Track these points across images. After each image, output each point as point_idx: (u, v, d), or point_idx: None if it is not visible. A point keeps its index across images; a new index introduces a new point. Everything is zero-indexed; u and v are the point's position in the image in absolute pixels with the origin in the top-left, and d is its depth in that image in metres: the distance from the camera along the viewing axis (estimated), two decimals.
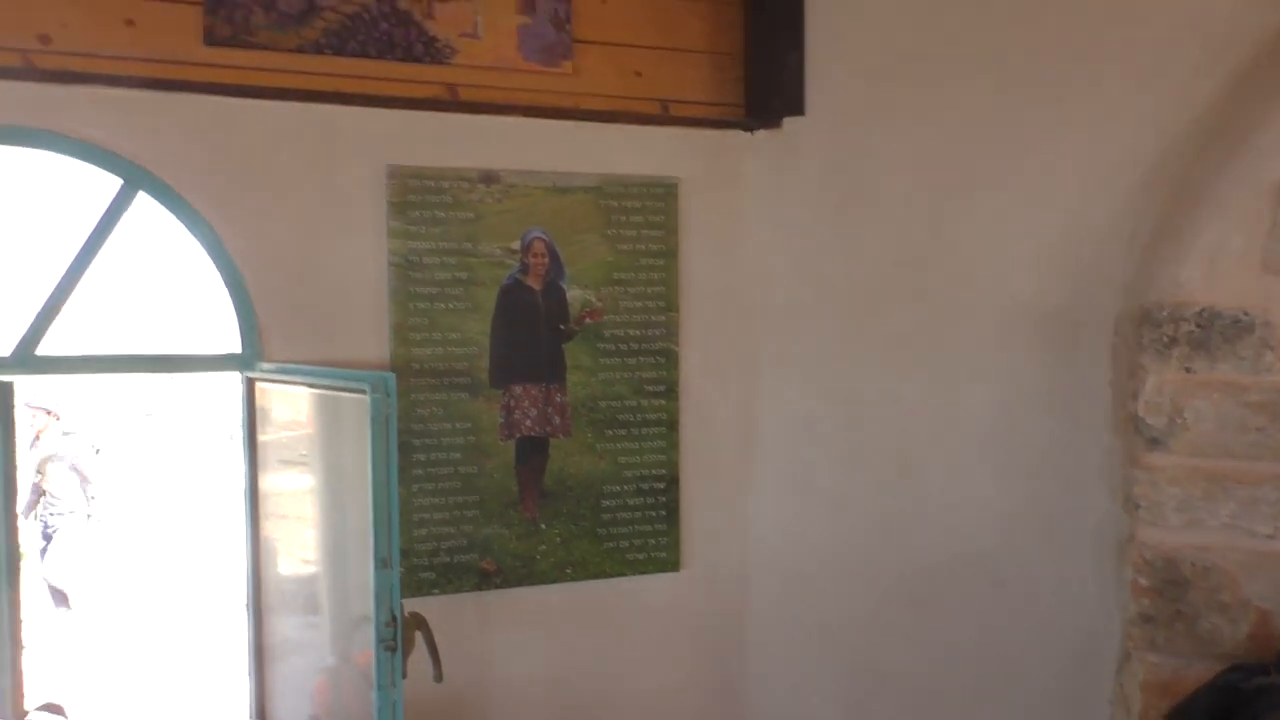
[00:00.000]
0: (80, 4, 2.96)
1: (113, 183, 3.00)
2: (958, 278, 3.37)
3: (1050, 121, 3.23)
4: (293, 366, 2.99)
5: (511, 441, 3.34)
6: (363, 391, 2.68)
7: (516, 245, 3.33)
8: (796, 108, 3.52)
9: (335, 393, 2.79)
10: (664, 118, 3.53)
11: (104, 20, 2.98)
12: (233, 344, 3.13)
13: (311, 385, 2.87)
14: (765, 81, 3.53)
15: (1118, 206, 3.18)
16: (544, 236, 3.35)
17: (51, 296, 2.95)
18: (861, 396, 3.52)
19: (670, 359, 3.53)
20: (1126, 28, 3.14)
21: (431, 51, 3.27)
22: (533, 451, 3.36)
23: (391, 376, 2.67)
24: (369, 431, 2.65)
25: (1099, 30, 3.17)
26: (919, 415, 3.47)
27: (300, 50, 3.14)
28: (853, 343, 3.51)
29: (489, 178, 3.30)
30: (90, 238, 2.98)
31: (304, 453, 3.01)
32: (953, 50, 3.33)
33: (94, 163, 2.96)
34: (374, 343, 3.22)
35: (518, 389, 3.34)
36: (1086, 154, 3.21)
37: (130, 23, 3.00)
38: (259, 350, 3.11)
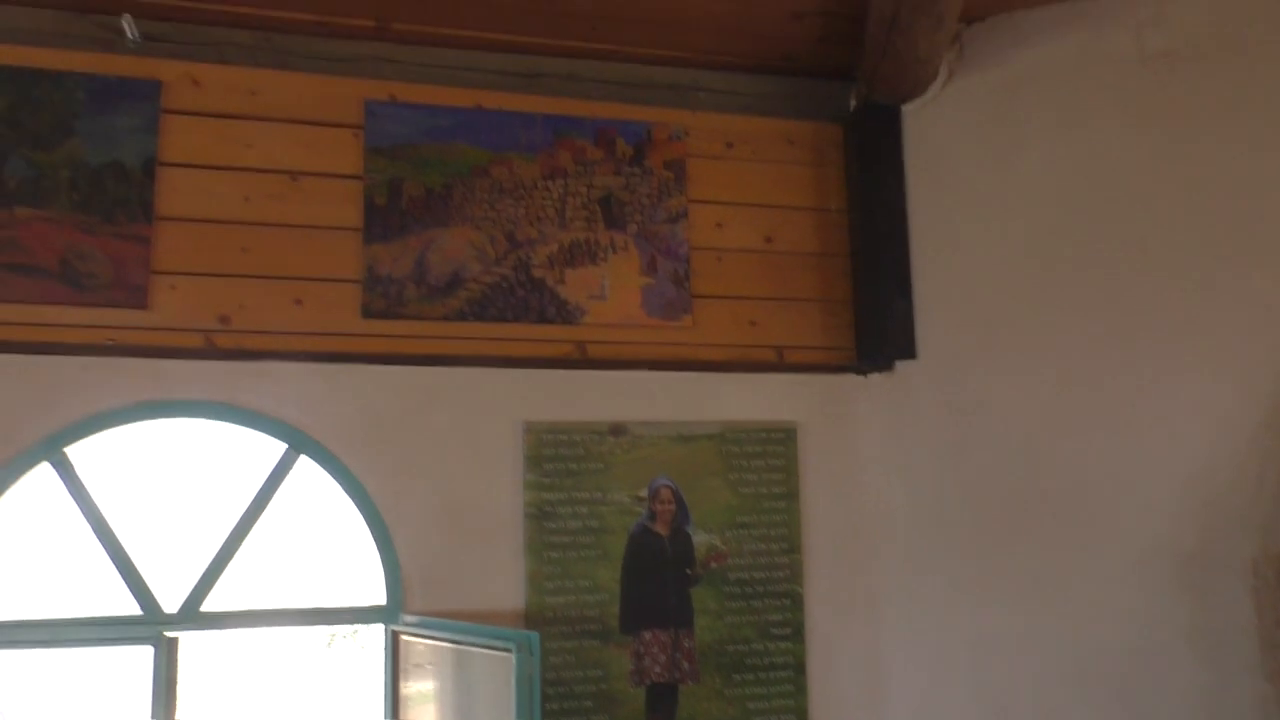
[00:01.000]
0: (257, 287, 3.32)
1: (277, 447, 3.26)
2: (1083, 517, 3.37)
3: (1166, 362, 3.30)
4: (435, 621, 3.10)
5: (642, 689, 3.36)
6: (507, 650, 2.77)
7: (644, 493, 3.46)
8: (908, 351, 3.67)
9: (478, 649, 2.88)
10: (779, 364, 3.71)
11: (277, 300, 3.32)
12: (379, 596, 3.27)
13: (454, 641, 2.96)
14: (875, 327, 3.70)
15: (1242, 447, 3.19)
16: (670, 484, 3.49)
17: (218, 556, 3.16)
18: (990, 637, 3.46)
19: (795, 601, 3.55)
20: (1239, 267, 3.24)
21: (563, 313, 3.54)
22: (662, 699, 3.37)
23: (535, 636, 2.77)
24: (513, 690, 2.73)
25: (1211, 271, 3.27)
26: (1051, 657, 3.39)
27: (446, 318, 3.44)
28: (978, 582, 3.49)
29: (618, 430, 3.49)
30: (255, 500, 3.21)
31: (445, 706, 3.07)
32: (1063, 293, 3.46)
33: (262, 430, 3.23)
34: (510, 592, 3.33)
35: (647, 635, 3.39)
36: (1205, 394, 3.25)
37: (299, 302, 3.34)
38: (402, 602, 3.24)
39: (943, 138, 3.72)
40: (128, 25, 3.28)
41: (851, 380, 3.74)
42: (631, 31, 3.66)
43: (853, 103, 3.89)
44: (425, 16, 3.52)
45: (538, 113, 3.64)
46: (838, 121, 3.93)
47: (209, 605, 3.14)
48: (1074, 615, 3.37)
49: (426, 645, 3.08)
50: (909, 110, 3.79)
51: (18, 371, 3.08)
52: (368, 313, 3.37)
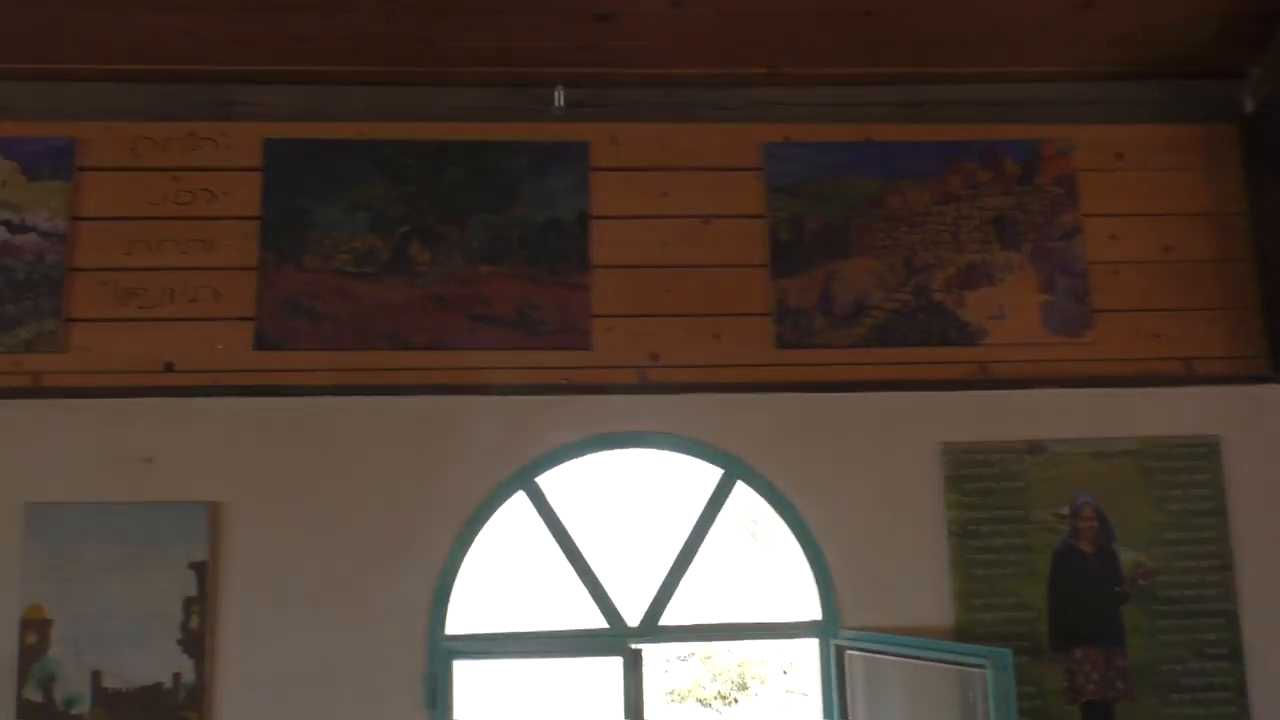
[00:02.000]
0: (680, 325, 3.58)
1: (711, 473, 3.50)
2: None
3: None
4: (886, 636, 3.22)
5: (1077, 707, 3.35)
6: (978, 667, 2.85)
7: (1066, 510, 3.46)
8: None
9: (942, 665, 2.97)
10: (1189, 376, 3.62)
11: (698, 336, 3.58)
12: (810, 611, 3.44)
13: (912, 656, 3.07)
14: None
15: None
16: (1092, 500, 3.47)
17: (670, 573, 3.43)
18: None
19: (1230, 619, 3.43)
20: None
21: (964, 335, 3.61)
22: (1099, 717, 3.35)
23: (1007, 653, 2.83)
24: (991, 708, 2.79)
25: None
26: None
27: (853, 346, 3.59)
28: None
29: (1034, 448, 3.51)
30: (699, 521, 3.46)
31: None
32: None
33: (702, 458, 3.48)
34: (938, 609, 3.41)
35: (1078, 652, 3.38)
36: None
37: (717, 336, 3.58)
38: (837, 617, 3.39)
39: None
40: (558, 95, 3.63)
41: (1273, 390, 3.59)
42: (1011, 52, 3.70)
43: (1249, 102, 3.75)
44: (813, 59, 3.70)
45: (925, 141, 3.74)
46: (1231, 122, 3.80)
47: (666, 619, 3.40)
48: None
49: (875, 660, 3.21)
50: None
51: (493, 411, 3.46)
52: (781, 343, 3.57)
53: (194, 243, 3.56)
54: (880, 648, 3.19)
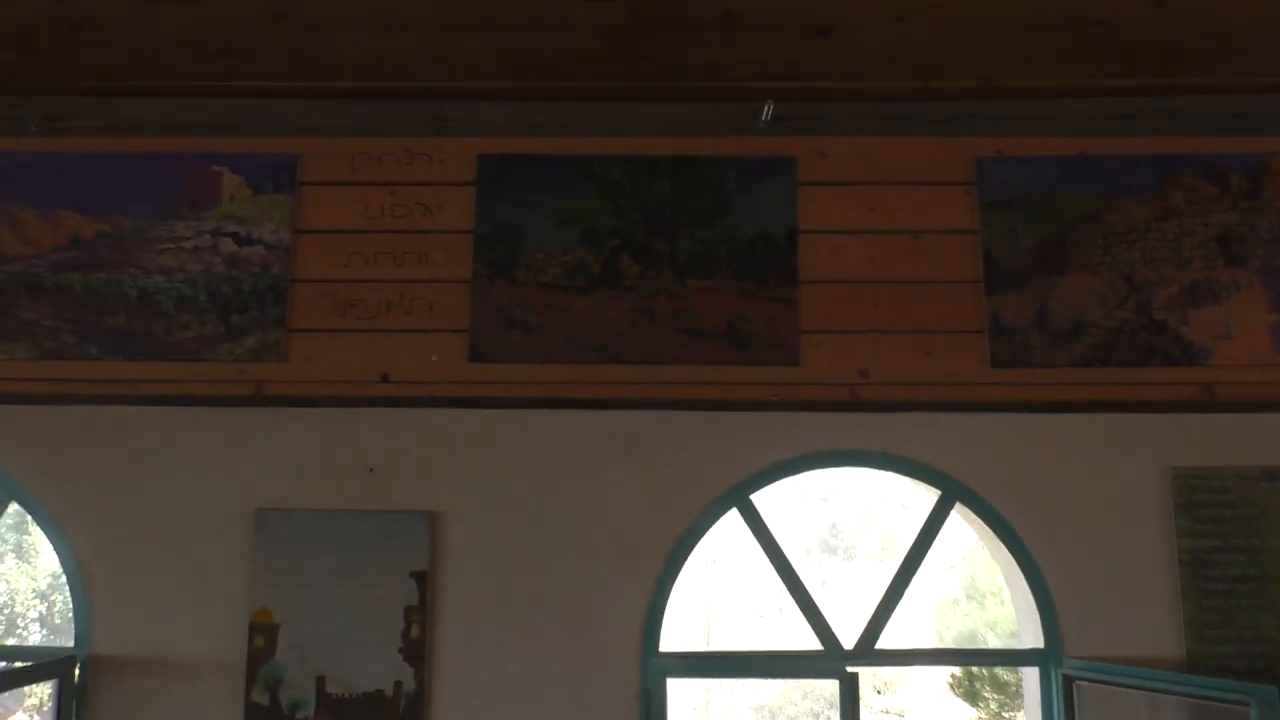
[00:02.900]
0: (890, 341, 3.52)
1: (926, 494, 3.43)
2: None
3: None
4: (1120, 667, 3.11)
5: None
6: (1241, 704, 2.72)
7: None
8: None
9: (1192, 700, 2.85)
10: None
11: (909, 353, 3.51)
12: (1030, 639, 3.34)
13: (1156, 690, 2.95)
14: None
15: None
16: None
17: (886, 596, 3.36)
18: None
19: None
20: None
21: (1188, 355, 3.47)
22: None
23: (1272, 690, 2.70)
24: None
25: None
26: None
27: (1071, 365, 3.48)
28: None
29: (1270, 474, 3.36)
30: (915, 544, 3.39)
31: None
32: None
33: (918, 478, 3.42)
34: (1167, 639, 3.28)
35: None
36: None
37: (928, 354, 3.51)
38: (1059, 645, 3.28)
39: None
40: (767, 109, 3.62)
41: None
42: (1235, 62, 3.57)
43: None
44: (1025, 71, 3.62)
45: (1143, 154, 3.62)
46: None
47: (882, 643, 3.34)
48: None
49: (1109, 691, 3.09)
50: None
51: (705, 426, 3.45)
52: (996, 362, 3.48)
53: (409, 255, 3.63)
54: (1118, 679, 3.08)
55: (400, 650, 3.29)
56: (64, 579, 3.58)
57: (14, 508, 3.54)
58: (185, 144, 3.71)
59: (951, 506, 3.41)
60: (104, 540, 3.42)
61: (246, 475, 3.45)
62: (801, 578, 3.37)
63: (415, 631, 3.30)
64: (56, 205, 3.66)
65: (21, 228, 3.64)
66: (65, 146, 3.72)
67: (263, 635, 3.31)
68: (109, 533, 3.42)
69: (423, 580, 3.33)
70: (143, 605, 3.37)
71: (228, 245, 3.62)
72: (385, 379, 3.53)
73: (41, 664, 3.09)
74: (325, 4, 3.33)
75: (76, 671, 3.27)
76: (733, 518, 3.44)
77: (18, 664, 3.44)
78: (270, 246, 3.62)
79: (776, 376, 3.50)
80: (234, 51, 3.57)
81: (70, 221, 3.65)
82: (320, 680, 3.28)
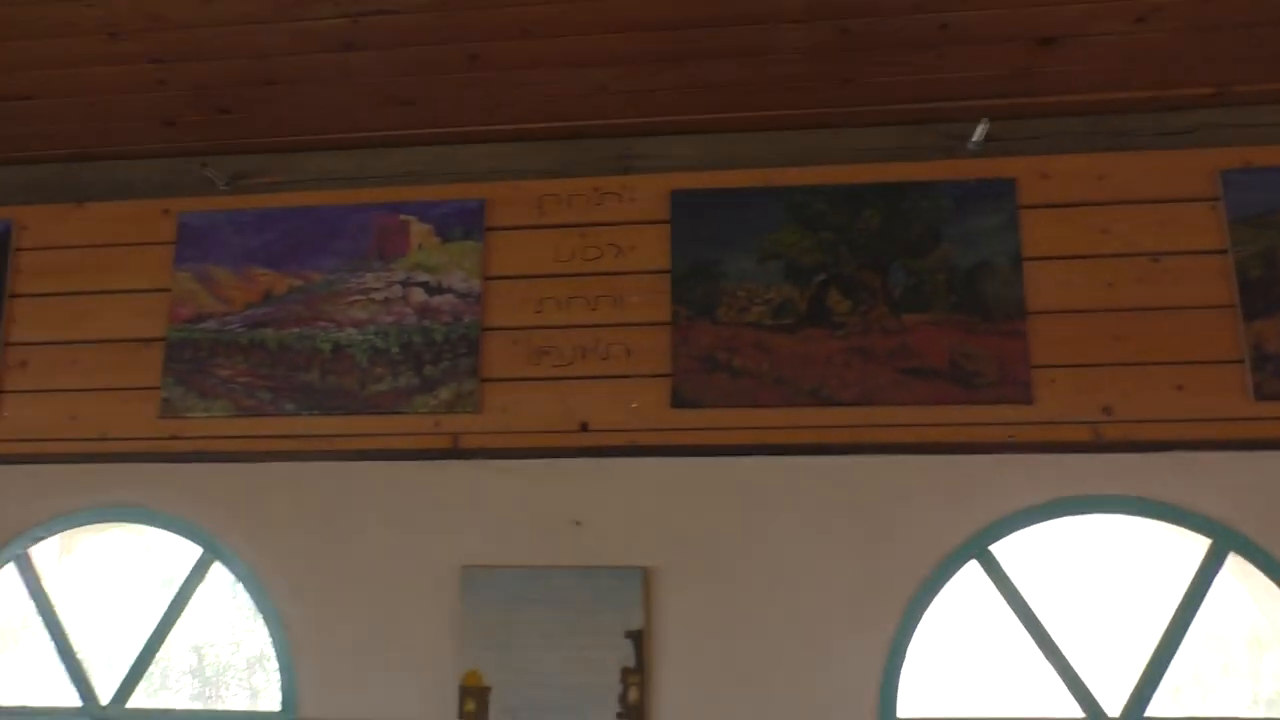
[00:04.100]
0: (1135, 375, 3.20)
1: (1200, 543, 3.08)
2: None
3: None
4: None
5: None
6: None
7: None
8: None
9: None
10: None
11: (1157, 388, 3.18)
12: None
13: None
14: None
15: None
16: None
17: (1156, 656, 3.02)
18: None
19: None
20: None
21: None
22: None
23: None
24: None
25: None
26: None
27: None
28: None
29: None
30: (1186, 599, 3.05)
31: None
32: None
33: (1182, 525, 3.07)
34: None
35: None
36: None
37: (1180, 387, 3.18)
38: None
39: None
40: (980, 129, 3.37)
41: None
42: None
43: None
44: (1270, 74, 3.29)
45: None
46: None
47: (1153, 710, 2.99)
48: None
49: None
50: None
51: (934, 471, 3.19)
52: (1261, 394, 3.12)
53: (603, 299, 3.47)
54: None
55: (619, 715, 3.08)
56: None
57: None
58: (371, 195, 3.66)
59: (1224, 556, 3.05)
60: (307, 599, 3.32)
61: (449, 530, 3.32)
62: (1053, 636, 3.05)
63: (634, 696, 3.09)
64: (248, 262, 3.64)
65: (215, 286, 3.63)
66: (253, 203, 3.70)
67: (474, 699, 3.14)
68: (312, 591, 3.33)
69: (639, 640, 3.13)
70: (349, 666, 3.25)
71: (418, 295, 3.54)
72: (584, 428, 3.37)
73: None
74: (517, 45, 3.24)
75: None
76: (971, 570, 3.14)
77: None
78: (461, 294, 3.51)
79: (1009, 416, 3.20)
80: (420, 99, 3.52)
81: (262, 278, 3.62)
82: None
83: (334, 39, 3.18)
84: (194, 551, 3.43)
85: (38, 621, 3.47)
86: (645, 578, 3.17)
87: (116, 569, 3.54)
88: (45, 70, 3.37)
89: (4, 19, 3.12)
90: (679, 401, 3.34)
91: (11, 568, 3.51)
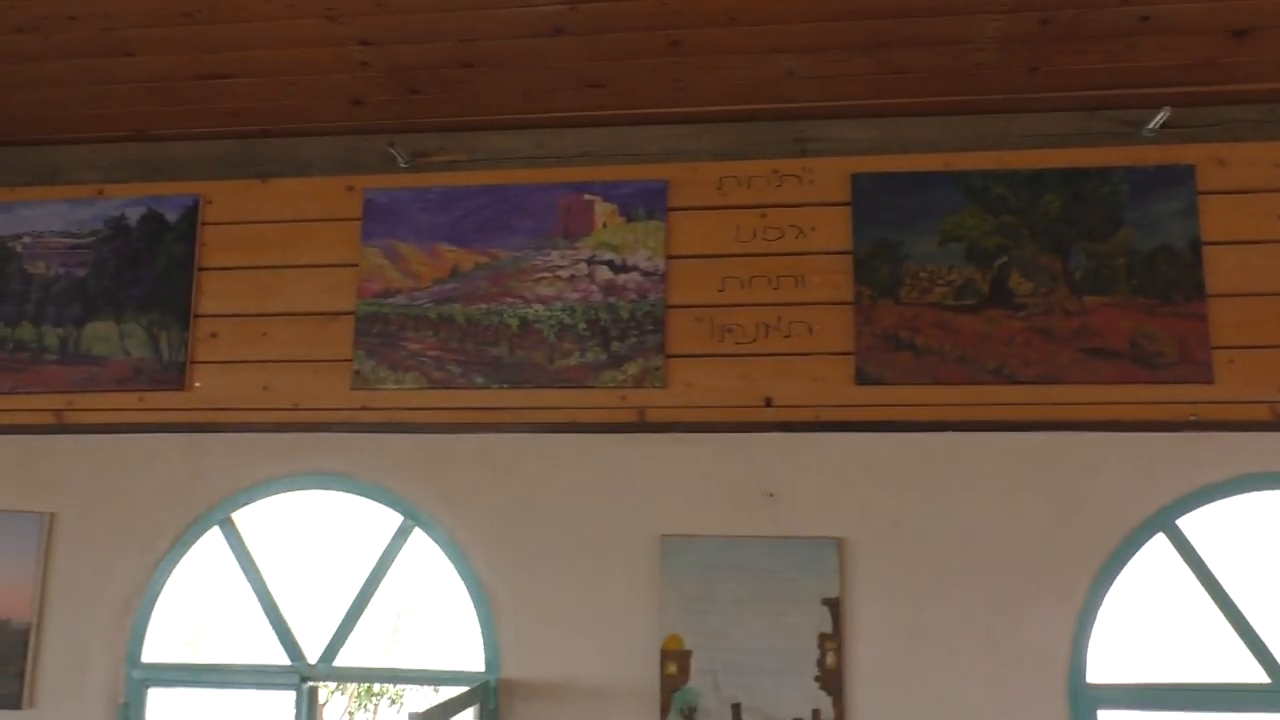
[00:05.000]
0: None
1: None
2: None
3: None
4: None
5: None
6: None
7: None
8: None
9: None
10: None
11: None
12: None
13: None
14: None
15: None
16: None
17: None
18: None
19: None
20: None
21: None
22: None
23: None
24: None
25: None
26: None
27: None
28: None
29: None
30: None
31: None
32: None
33: None
34: None
35: None
36: None
37: None
38: None
39: None
40: (1159, 117, 3.45)
41: None
42: None
43: None
44: None
45: None
46: None
47: None
48: None
49: None
50: None
51: (1117, 449, 3.31)
52: None
53: (784, 278, 3.59)
54: None
55: (816, 679, 3.23)
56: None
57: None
58: (554, 174, 3.76)
59: None
60: (507, 566, 3.47)
61: (644, 501, 3.45)
62: (1239, 606, 3.18)
63: (831, 660, 3.23)
64: (435, 239, 3.75)
65: (403, 262, 3.75)
66: (434, 181, 3.81)
67: (675, 662, 3.29)
68: (511, 559, 3.47)
69: (835, 607, 3.27)
70: (550, 630, 3.40)
71: (603, 273, 3.65)
72: (768, 403, 3.50)
73: (469, 691, 3.13)
74: (720, 33, 3.32)
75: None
76: (1158, 543, 3.27)
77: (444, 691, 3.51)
78: (646, 273, 3.63)
79: (1190, 395, 3.32)
80: (609, 82, 3.61)
81: (449, 254, 3.74)
82: (736, 708, 3.24)
83: (545, 23, 3.26)
84: (394, 519, 3.57)
85: (244, 583, 3.62)
86: (839, 548, 3.31)
87: (313, 534, 3.67)
88: (250, 50, 3.46)
89: (225, 3, 3.22)
90: (863, 378, 3.46)
91: (216, 532, 3.65)
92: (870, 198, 3.59)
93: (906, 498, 3.36)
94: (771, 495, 3.41)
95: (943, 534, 3.32)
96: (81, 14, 3.30)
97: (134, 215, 3.91)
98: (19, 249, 3.94)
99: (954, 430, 3.39)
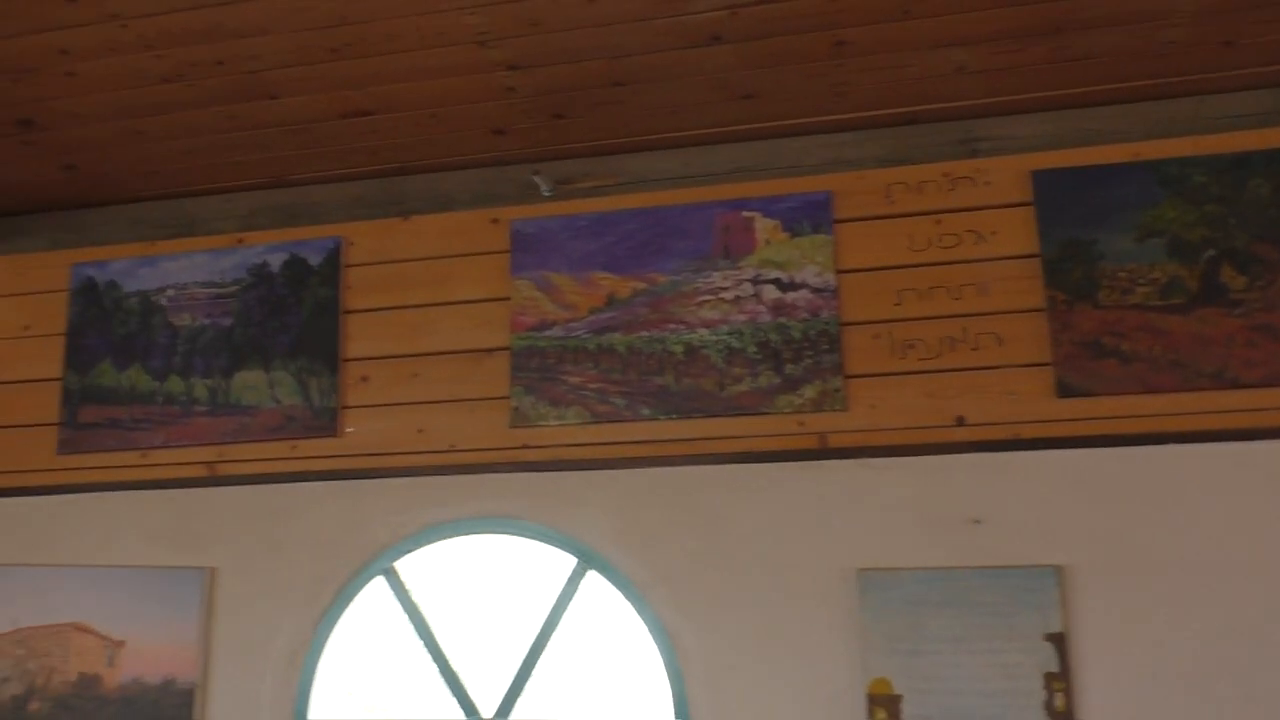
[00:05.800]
0: None
1: None
2: None
3: None
4: None
5: None
6: None
7: None
8: None
9: None
10: None
11: None
12: None
13: None
14: None
15: None
16: None
17: None
18: None
19: None
20: None
21: None
22: None
23: None
24: None
25: None
26: None
27: None
28: None
29: None
30: None
31: None
32: None
33: None
34: None
35: None
36: None
37: None
38: None
39: None
40: None
41: None
42: None
43: None
44: None
45: None
46: None
47: None
48: None
49: None
50: None
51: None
52: None
53: (966, 287, 3.34)
54: None
55: None
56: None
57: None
58: (708, 193, 3.58)
59: None
60: (691, 608, 3.26)
61: (835, 533, 3.22)
62: None
63: (1060, 702, 2.95)
64: (588, 267, 3.59)
65: (557, 293, 3.59)
66: (581, 208, 3.66)
67: (884, 708, 3.04)
68: (696, 599, 3.26)
69: (1060, 643, 2.99)
70: (742, 676, 3.17)
71: (770, 292, 3.45)
72: (960, 422, 3.24)
73: None
74: (890, 29, 3.13)
75: None
76: None
77: None
78: (816, 290, 3.42)
79: None
80: (761, 93, 3.43)
81: (604, 282, 3.57)
82: None
83: (702, 32, 3.10)
84: (566, 561, 3.39)
85: (411, 635, 3.47)
86: (1060, 576, 3.03)
87: (478, 581, 3.51)
88: (394, 84, 3.36)
89: (375, 34, 3.11)
90: (1065, 390, 3.19)
91: (381, 581, 3.51)
92: (1054, 196, 3.33)
93: (1129, 518, 3.08)
94: (978, 521, 3.15)
95: (1175, 557, 3.02)
96: (229, 58, 3.23)
97: (276, 261, 3.82)
98: (163, 302, 3.88)
99: (1174, 443, 3.10)
